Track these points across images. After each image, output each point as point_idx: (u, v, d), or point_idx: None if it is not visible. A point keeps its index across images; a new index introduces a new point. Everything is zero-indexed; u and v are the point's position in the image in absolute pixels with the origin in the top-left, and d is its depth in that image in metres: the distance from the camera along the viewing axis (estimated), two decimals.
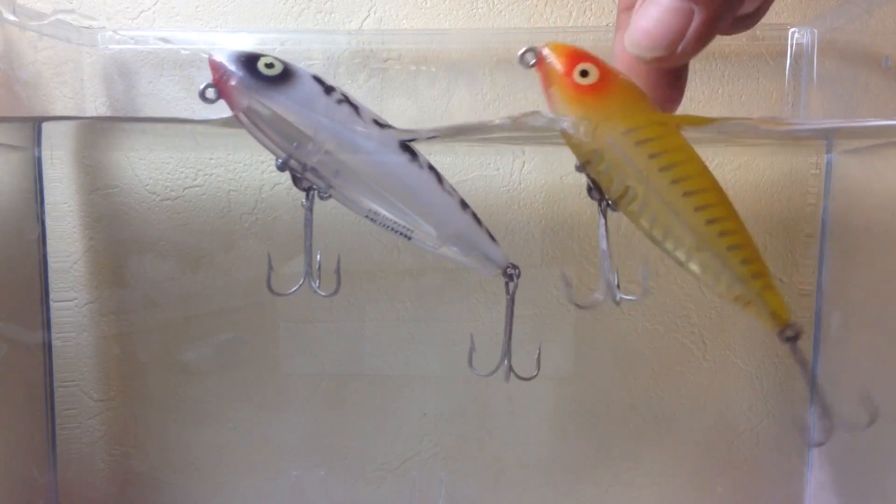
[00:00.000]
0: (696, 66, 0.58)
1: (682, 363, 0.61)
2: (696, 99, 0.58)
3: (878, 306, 0.52)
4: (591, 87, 0.33)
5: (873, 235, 0.53)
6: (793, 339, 0.39)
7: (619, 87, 0.33)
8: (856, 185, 0.56)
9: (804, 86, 0.57)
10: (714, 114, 0.58)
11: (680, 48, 0.31)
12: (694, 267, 0.36)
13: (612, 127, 0.33)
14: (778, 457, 0.62)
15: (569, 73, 0.33)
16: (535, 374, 0.46)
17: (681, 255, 0.36)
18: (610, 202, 0.37)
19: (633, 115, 0.33)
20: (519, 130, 0.44)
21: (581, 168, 0.36)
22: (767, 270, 0.37)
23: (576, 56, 0.34)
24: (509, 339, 0.44)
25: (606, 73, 0.33)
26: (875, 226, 0.53)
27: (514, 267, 0.42)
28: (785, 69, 0.57)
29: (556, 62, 0.34)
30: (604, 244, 0.39)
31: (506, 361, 0.44)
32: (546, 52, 0.34)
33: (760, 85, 0.58)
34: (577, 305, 0.43)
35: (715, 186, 0.35)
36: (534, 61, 0.35)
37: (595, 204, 0.38)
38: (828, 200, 0.58)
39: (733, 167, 0.59)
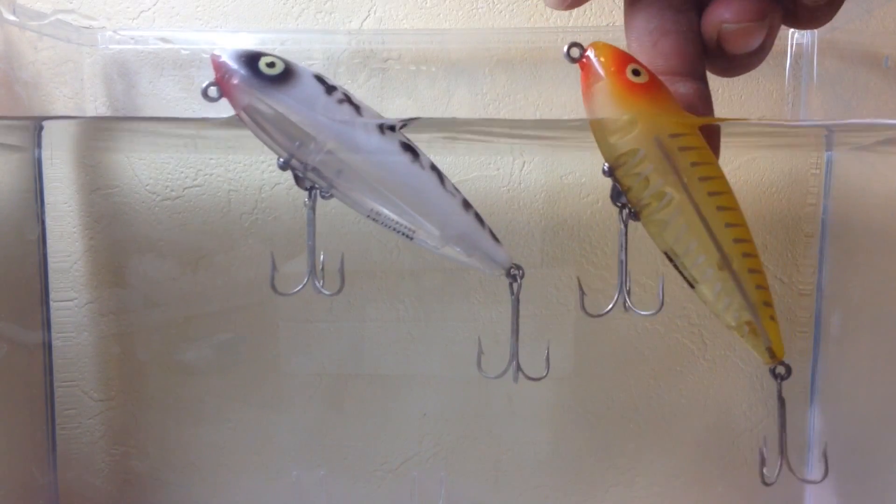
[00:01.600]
0: None
1: (682, 363, 0.61)
2: None
3: (878, 306, 0.52)
4: (643, 85, 0.33)
5: (873, 235, 0.53)
6: (783, 378, 0.40)
7: (664, 92, 0.33)
8: (856, 185, 0.56)
9: (804, 86, 0.57)
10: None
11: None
12: (708, 287, 0.36)
13: (660, 127, 0.33)
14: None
15: (622, 69, 0.33)
16: (544, 374, 0.46)
17: (699, 272, 0.36)
18: (632, 211, 0.36)
19: (679, 121, 0.33)
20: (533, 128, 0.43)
21: (610, 172, 0.35)
22: (773, 302, 0.37)
23: (626, 55, 0.34)
24: (517, 339, 0.43)
25: (653, 75, 0.33)
26: (875, 226, 0.53)
27: (518, 267, 0.42)
28: (785, 69, 0.57)
29: (608, 58, 0.34)
30: (623, 254, 0.39)
31: (514, 363, 0.44)
32: (594, 48, 0.34)
33: (760, 85, 0.58)
34: (588, 314, 0.43)
35: (739, 207, 0.35)
36: (579, 55, 0.34)
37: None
38: (828, 200, 0.58)
39: (733, 167, 0.59)
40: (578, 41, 0.35)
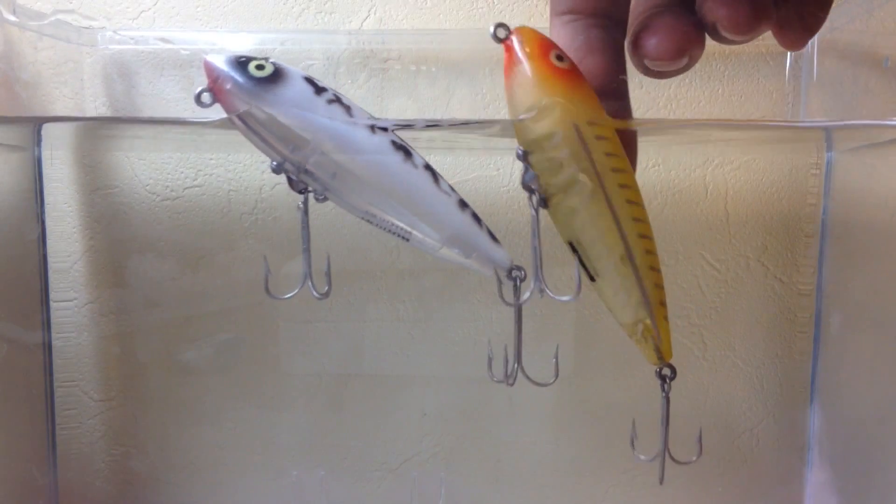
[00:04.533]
0: (696, 65, 0.59)
1: (682, 363, 0.61)
2: (697, 99, 0.58)
3: (878, 306, 0.52)
4: (566, 71, 0.33)
5: (873, 235, 0.53)
6: (669, 379, 0.41)
7: (583, 80, 0.33)
8: (856, 185, 0.56)
9: (804, 86, 0.57)
10: (714, 114, 0.58)
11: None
12: (608, 282, 0.36)
13: (579, 113, 0.33)
14: (778, 457, 0.62)
15: (546, 53, 0.33)
16: (552, 380, 0.46)
17: (602, 264, 0.36)
18: (541, 197, 0.36)
19: (597, 110, 0.33)
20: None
21: (524, 156, 0.35)
22: (666, 303, 0.37)
23: (550, 41, 0.34)
24: (520, 342, 0.43)
25: (574, 63, 0.33)
26: (875, 226, 0.53)
27: (519, 268, 0.41)
28: (785, 69, 0.57)
29: (533, 41, 0.34)
30: (536, 241, 0.39)
31: (516, 365, 0.44)
32: (519, 31, 0.34)
33: (760, 85, 0.58)
34: (506, 303, 0.43)
35: (643, 204, 0.35)
36: (504, 37, 0.35)
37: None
38: (828, 200, 0.58)
39: (733, 167, 0.59)
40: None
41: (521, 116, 0.34)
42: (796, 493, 0.62)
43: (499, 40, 0.34)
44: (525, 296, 0.41)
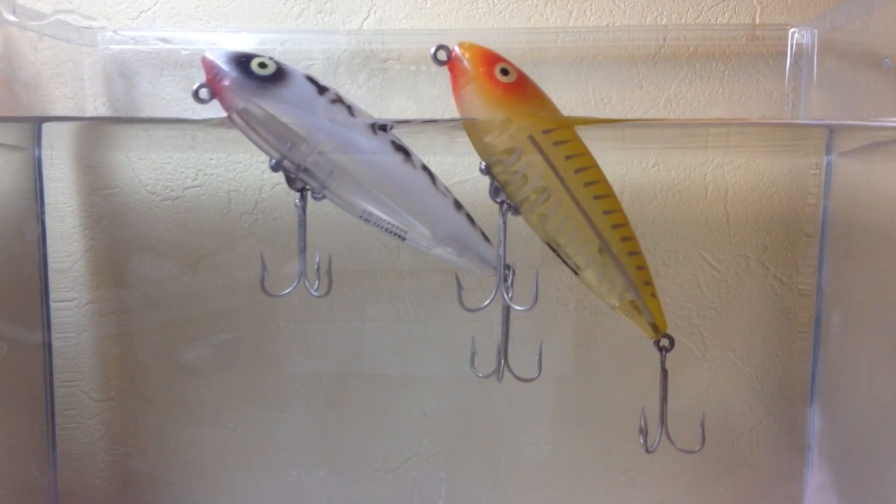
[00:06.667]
0: (696, 66, 0.59)
1: (682, 363, 0.61)
2: (697, 99, 0.58)
3: (878, 306, 0.52)
4: (512, 84, 0.33)
5: (873, 235, 0.53)
6: (667, 350, 0.43)
7: (533, 89, 0.33)
8: (856, 186, 0.56)
9: (804, 86, 0.57)
10: (714, 114, 0.58)
11: None
12: (591, 273, 0.37)
13: (532, 125, 0.33)
14: (778, 457, 0.62)
15: (490, 70, 0.33)
16: (536, 375, 0.46)
17: (582, 259, 0.37)
18: (512, 205, 0.37)
19: (551, 115, 0.34)
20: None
21: (487, 170, 0.36)
22: (652, 281, 0.39)
23: (494, 55, 0.34)
24: (506, 339, 0.44)
25: (521, 74, 0.33)
26: (875, 226, 0.53)
27: (508, 267, 0.42)
28: (785, 69, 0.57)
29: (476, 59, 0.34)
30: (501, 249, 0.40)
31: (502, 362, 0.44)
32: (462, 49, 0.34)
33: (760, 85, 0.58)
34: (466, 308, 0.44)
35: (614, 194, 0.36)
36: (446, 59, 0.35)
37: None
38: (828, 200, 0.58)
39: (733, 167, 0.59)
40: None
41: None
42: (796, 493, 0.62)
43: (441, 63, 0.34)
44: (486, 302, 0.42)
